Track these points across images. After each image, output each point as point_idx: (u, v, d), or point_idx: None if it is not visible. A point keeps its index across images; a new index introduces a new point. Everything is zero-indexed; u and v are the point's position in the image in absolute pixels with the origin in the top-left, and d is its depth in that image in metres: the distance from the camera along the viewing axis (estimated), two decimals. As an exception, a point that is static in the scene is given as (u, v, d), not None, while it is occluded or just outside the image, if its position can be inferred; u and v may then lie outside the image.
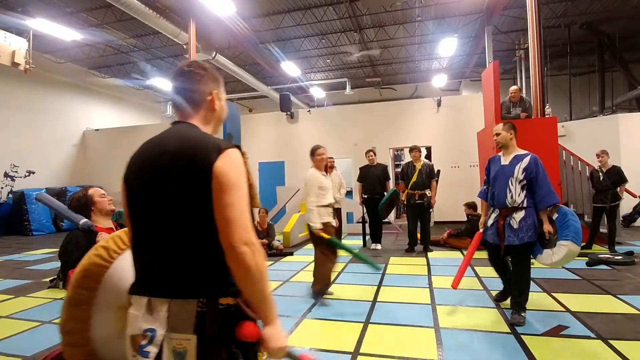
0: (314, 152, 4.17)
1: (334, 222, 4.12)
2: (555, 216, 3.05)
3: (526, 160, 3.15)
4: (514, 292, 3.21)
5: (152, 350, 0.97)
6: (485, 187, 3.47)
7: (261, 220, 6.77)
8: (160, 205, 1.03)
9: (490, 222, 3.30)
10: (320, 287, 3.96)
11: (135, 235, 1.09)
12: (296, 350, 1.14)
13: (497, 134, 3.31)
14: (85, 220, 2.64)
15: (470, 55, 13.06)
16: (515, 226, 3.07)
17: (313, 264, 4.10)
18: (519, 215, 3.08)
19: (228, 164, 1.01)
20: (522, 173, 3.10)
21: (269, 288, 1.04)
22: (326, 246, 3.91)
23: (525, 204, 3.07)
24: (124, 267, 1.18)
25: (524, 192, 3.09)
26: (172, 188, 1.01)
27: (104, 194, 2.72)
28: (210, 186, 0.99)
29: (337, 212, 6.66)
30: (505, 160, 3.27)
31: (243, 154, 1.09)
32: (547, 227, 3.02)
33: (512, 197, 3.12)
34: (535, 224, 3.05)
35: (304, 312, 3.48)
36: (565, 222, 2.97)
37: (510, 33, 11.59)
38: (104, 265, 1.29)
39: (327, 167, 6.40)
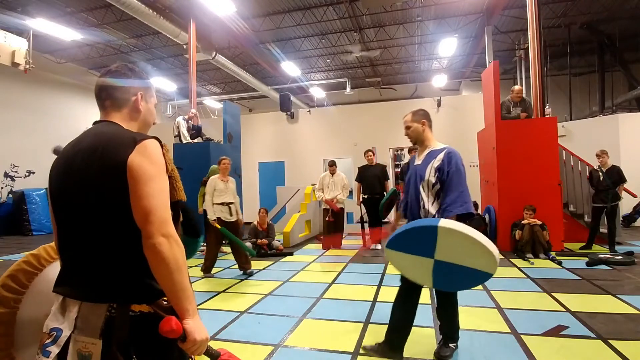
0: (219, 162, 5.22)
1: (232, 218, 5.14)
2: None
3: (440, 156, 2.40)
4: (441, 323, 2.64)
5: (54, 350, 0.94)
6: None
7: (261, 220, 6.77)
8: (78, 205, 1.02)
9: None
10: (207, 265, 5.15)
11: (59, 237, 1.08)
12: (214, 349, 1.12)
13: (407, 127, 2.57)
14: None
15: (470, 55, 13.06)
16: None
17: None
18: None
19: (143, 156, 1.00)
20: (435, 174, 2.38)
21: (187, 281, 1.01)
22: (216, 233, 5.00)
23: (441, 215, 2.38)
24: (55, 275, 1.14)
25: (439, 199, 2.39)
26: (88, 187, 1.00)
27: None
28: (125, 180, 0.98)
29: (341, 211, 6.78)
30: (418, 160, 2.54)
31: (162, 146, 1.08)
32: None
33: (424, 207, 2.40)
34: None
35: (304, 312, 3.49)
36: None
37: (510, 33, 11.59)
38: (32, 272, 1.32)
39: (331, 173, 6.81)
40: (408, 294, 2.46)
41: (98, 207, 1.00)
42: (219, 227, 4.92)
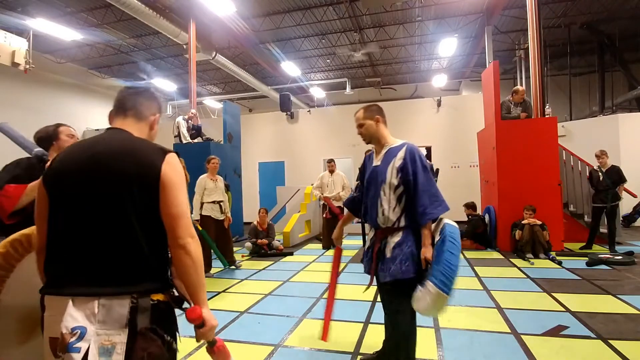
0: (209, 160, 5.31)
1: (222, 216, 5.20)
2: (437, 238, 2.02)
3: (400, 154, 2.12)
4: (389, 345, 2.34)
5: (83, 346, 0.99)
6: (354, 192, 2.51)
7: (261, 220, 6.77)
8: (100, 206, 1.08)
9: (367, 244, 2.30)
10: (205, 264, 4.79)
11: (58, 236, 1.10)
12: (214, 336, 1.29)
13: (360, 125, 2.32)
14: (41, 149, 2.30)
15: (470, 55, 13.05)
16: (388, 255, 2.08)
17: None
18: (394, 240, 2.09)
19: (172, 166, 1.14)
20: (397, 175, 2.09)
21: (204, 276, 1.17)
22: (210, 233, 5.00)
23: (402, 223, 2.08)
24: (30, 269, 1.18)
25: (401, 204, 2.09)
26: (119, 188, 1.08)
27: (72, 135, 2.44)
28: (156, 186, 1.09)
29: (340, 212, 6.78)
30: (377, 160, 2.25)
31: (180, 160, 1.22)
32: (425, 253, 1.98)
33: (383, 214, 2.12)
34: (413, 252, 2.04)
35: (304, 312, 3.48)
36: (440, 252, 1.91)
37: (510, 33, 11.59)
38: (18, 255, 1.34)
39: (330, 171, 6.84)
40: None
41: (127, 208, 1.07)
42: (200, 228, 4.96)
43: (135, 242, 1.08)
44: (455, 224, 2.00)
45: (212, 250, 5.19)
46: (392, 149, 2.20)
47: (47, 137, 2.31)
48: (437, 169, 7.34)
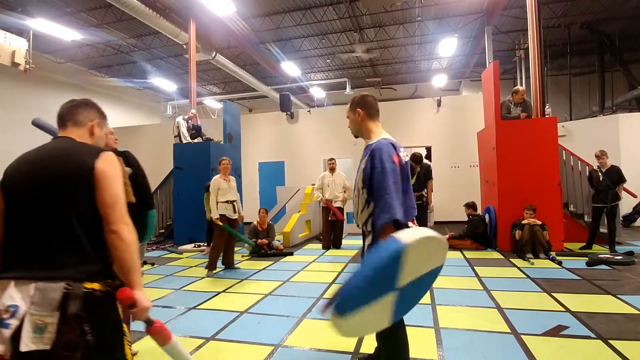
0: (220, 162, 5.43)
1: (235, 215, 5.38)
2: None
3: (366, 154, 2.00)
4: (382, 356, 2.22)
5: (14, 322, 1.11)
6: None
7: (261, 220, 6.77)
8: (41, 202, 1.23)
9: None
10: (211, 262, 5.18)
11: (11, 230, 1.25)
12: (151, 318, 1.37)
13: (348, 119, 2.28)
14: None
15: (470, 55, 13.06)
16: (364, 257, 1.97)
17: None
18: (367, 242, 2.00)
19: (107, 162, 1.30)
20: (362, 178, 1.98)
21: (138, 260, 1.28)
22: (221, 231, 5.18)
23: (368, 227, 1.97)
24: None
25: (369, 207, 1.94)
26: (58, 185, 1.23)
27: (112, 132, 2.86)
28: (91, 180, 1.25)
29: (340, 211, 6.76)
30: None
31: (118, 157, 1.37)
32: None
33: (356, 215, 2.06)
34: None
35: (304, 312, 3.48)
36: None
37: (510, 33, 11.59)
38: None
39: (330, 169, 6.82)
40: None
41: (64, 202, 1.22)
42: (221, 224, 5.17)
43: (71, 233, 1.21)
44: (405, 240, 1.53)
45: (221, 251, 5.34)
46: (367, 146, 2.05)
47: None
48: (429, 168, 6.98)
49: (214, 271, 5.22)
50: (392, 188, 1.84)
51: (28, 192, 1.25)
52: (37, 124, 2.84)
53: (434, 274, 1.77)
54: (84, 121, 1.45)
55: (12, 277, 1.16)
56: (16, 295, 1.13)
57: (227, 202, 5.30)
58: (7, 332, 1.10)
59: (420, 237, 1.58)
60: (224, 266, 5.47)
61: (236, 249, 7.16)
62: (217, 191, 5.26)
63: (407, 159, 2.08)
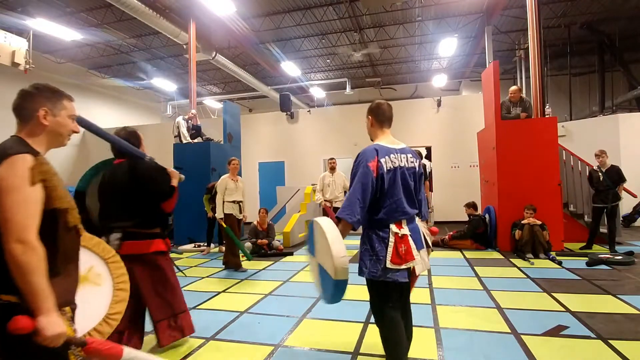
0: (229, 162, 5.50)
1: (241, 216, 5.47)
2: None
3: None
4: None
5: None
6: None
7: (261, 220, 6.77)
8: None
9: None
10: (227, 260, 5.30)
11: None
12: (78, 337, 1.25)
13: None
14: (150, 156, 2.75)
15: (470, 55, 13.06)
16: None
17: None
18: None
19: (6, 170, 1.13)
20: None
21: (41, 282, 1.11)
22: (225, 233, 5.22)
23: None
24: None
25: None
26: None
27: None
28: None
29: (336, 211, 6.72)
30: None
31: (37, 158, 1.21)
32: None
33: None
34: (368, 250, 2.17)
35: (304, 312, 3.49)
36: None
37: (510, 33, 11.60)
38: None
39: (330, 168, 6.83)
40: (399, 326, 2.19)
41: None
42: (225, 226, 5.25)
43: None
44: (317, 219, 2.11)
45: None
46: None
47: (134, 139, 2.77)
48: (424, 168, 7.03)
49: (241, 268, 5.33)
50: (355, 189, 2.09)
51: None
52: (81, 122, 2.73)
53: (329, 279, 2.06)
54: (29, 113, 1.29)
55: None
56: None
57: (233, 202, 5.36)
58: None
59: (317, 221, 2.11)
60: (251, 258, 5.53)
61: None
62: (224, 190, 5.32)
63: (401, 163, 2.16)
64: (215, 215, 5.34)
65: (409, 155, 2.21)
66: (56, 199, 1.23)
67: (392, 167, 2.13)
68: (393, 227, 2.08)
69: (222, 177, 5.47)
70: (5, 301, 1.12)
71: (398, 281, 2.06)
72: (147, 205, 2.67)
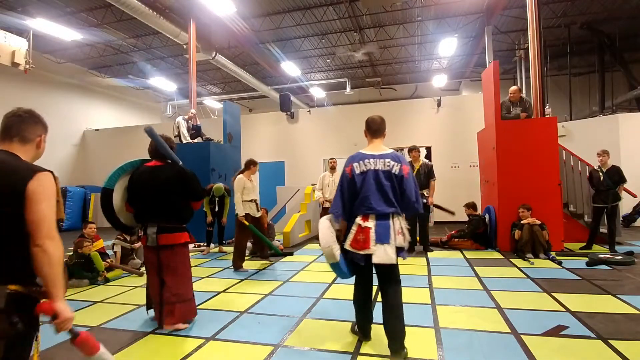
0: (250, 165, 5.84)
1: (258, 214, 5.62)
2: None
3: None
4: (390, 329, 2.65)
5: None
6: None
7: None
8: None
9: None
10: (240, 262, 5.40)
11: None
12: (76, 329, 1.48)
13: None
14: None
15: (470, 55, 13.07)
16: None
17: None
18: None
19: (38, 183, 1.39)
20: None
21: (61, 272, 1.38)
22: (244, 228, 5.39)
23: None
24: None
25: None
26: None
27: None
28: (22, 200, 1.35)
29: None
30: None
31: (55, 177, 1.48)
32: None
33: None
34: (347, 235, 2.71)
35: (304, 312, 3.48)
36: None
37: (510, 33, 11.60)
38: None
39: (331, 168, 6.87)
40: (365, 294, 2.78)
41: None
42: (247, 224, 5.37)
43: (2, 245, 1.35)
44: (323, 221, 2.65)
45: (245, 247, 5.66)
46: None
47: (173, 147, 3.28)
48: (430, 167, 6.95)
49: (244, 268, 5.41)
50: (337, 189, 2.70)
51: None
52: (150, 133, 3.14)
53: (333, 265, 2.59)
54: (31, 137, 1.54)
55: None
56: None
57: (250, 201, 5.50)
58: None
59: (319, 226, 2.64)
60: (281, 254, 5.89)
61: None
62: (242, 190, 5.41)
63: (375, 167, 2.58)
64: (236, 213, 5.37)
65: (387, 160, 2.59)
66: (59, 210, 1.52)
67: (364, 169, 2.59)
68: (358, 219, 2.54)
69: (237, 177, 5.54)
70: (13, 290, 1.34)
71: (353, 260, 2.58)
72: (182, 204, 3.13)
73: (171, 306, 3.05)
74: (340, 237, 2.62)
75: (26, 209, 1.36)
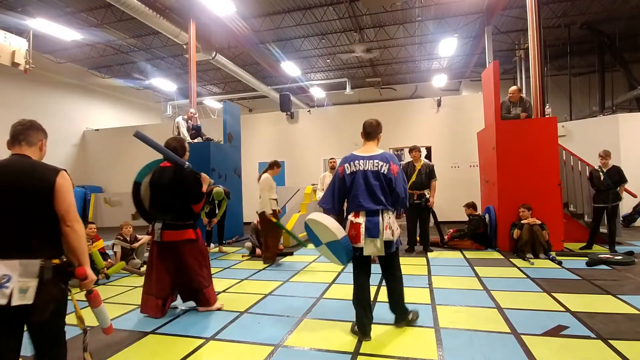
0: (275, 165, 5.98)
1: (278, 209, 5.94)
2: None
3: None
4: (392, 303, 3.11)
5: (9, 285, 1.63)
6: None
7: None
8: (18, 205, 1.72)
9: None
10: (273, 256, 5.78)
11: None
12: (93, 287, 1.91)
13: None
14: (188, 164, 3.50)
15: (470, 55, 13.06)
16: None
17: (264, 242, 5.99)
18: None
19: (63, 179, 1.81)
20: None
21: (86, 245, 1.87)
22: (273, 226, 5.73)
23: None
24: None
25: None
26: (27, 194, 1.73)
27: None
28: (52, 192, 1.76)
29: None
30: None
31: (69, 175, 1.89)
32: None
33: None
34: None
35: (304, 312, 3.48)
36: None
37: (510, 33, 11.60)
38: None
39: (331, 168, 6.88)
40: (362, 289, 2.96)
41: (32, 207, 1.74)
42: (275, 220, 5.70)
43: (38, 227, 1.75)
44: (309, 216, 2.91)
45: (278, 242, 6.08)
46: None
47: (180, 149, 3.60)
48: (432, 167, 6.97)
49: (276, 261, 5.82)
50: (330, 186, 2.97)
51: (2, 197, 1.72)
52: (139, 136, 3.38)
53: (337, 244, 2.74)
54: (35, 141, 1.91)
55: (1, 257, 1.66)
56: (6, 269, 1.65)
57: (274, 199, 5.81)
58: (7, 292, 1.62)
59: (311, 218, 2.85)
60: (305, 245, 6.06)
61: (236, 249, 7.17)
62: (270, 188, 5.73)
63: (365, 167, 2.82)
64: (266, 212, 5.64)
65: (376, 161, 2.82)
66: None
67: (354, 170, 2.85)
68: (350, 216, 2.83)
69: (264, 176, 5.80)
70: (55, 264, 1.74)
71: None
72: (182, 205, 3.36)
73: (199, 292, 3.47)
74: None
75: (56, 200, 1.76)
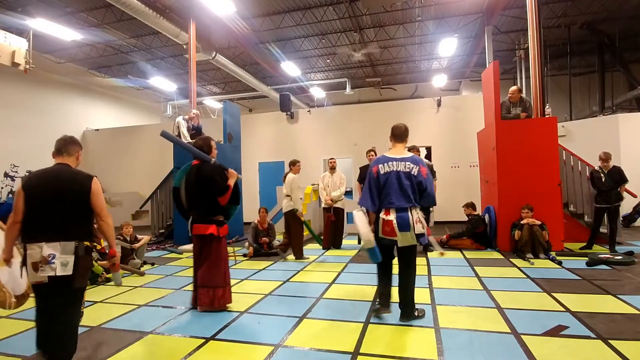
0: (296, 163, 6.40)
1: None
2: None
3: None
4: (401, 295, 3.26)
5: (55, 262, 2.18)
6: None
7: (261, 219, 6.76)
8: (62, 204, 2.26)
9: None
10: (297, 251, 6.09)
11: (32, 216, 2.25)
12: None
13: None
14: (214, 159, 3.72)
15: (470, 55, 13.06)
16: None
17: (291, 239, 6.24)
18: None
19: (96, 184, 2.38)
20: None
21: (114, 234, 2.49)
22: (300, 223, 6.11)
23: None
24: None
25: None
26: (70, 195, 2.29)
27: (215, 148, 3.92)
28: (88, 195, 2.32)
29: (337, 212, 6.73)
30: None
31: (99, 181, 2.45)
32: None
33: None
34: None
35: (304, 312, 3.48)
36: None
37: (510, 33, 11.60)
38: None
39: (330, 168, 6.88)
40: (385, 267, 3.29)
41: (73, 205, 2.30)
42: (302, 218, 6.04)
43: (76, 219, 2.31)
44: (357, 213, 3.22)
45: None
46: None
47: (206, 147, 3.78)
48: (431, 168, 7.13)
49: (303, 256, 6.09)
50: (366, 186, 3.21)
51: (50, 196, 2.25)
52: (166, 136, 3.72)
53: (367, 249, 3.09)
54: (73, 153, 2.47)
55: (43, 240, 2.19)
56: (50, 249, 2.18)
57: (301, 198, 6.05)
58: (53, 266, 2.17)
59: (354, 216, 3.21)
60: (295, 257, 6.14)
61: (236, 248, 7.17)
62: (299, 188, 5.95)
63: (397, 168, 3.13)
64: (299, 211, 5.94)
65: (407, 163, 3.13)
66: (107, 201, 2.41)
67: (387, 170, 3.13)
68: (382, 214, 3.09)
69: (289, 176, 6.13)
70: (87, 245, 2.31)
71: (382, 244, 3.11)
72: (208, 199, 3.53)
73: (203, 289, 3.52)
74: (370, 227, 3.10)
75: (92, 201, 2.33)
